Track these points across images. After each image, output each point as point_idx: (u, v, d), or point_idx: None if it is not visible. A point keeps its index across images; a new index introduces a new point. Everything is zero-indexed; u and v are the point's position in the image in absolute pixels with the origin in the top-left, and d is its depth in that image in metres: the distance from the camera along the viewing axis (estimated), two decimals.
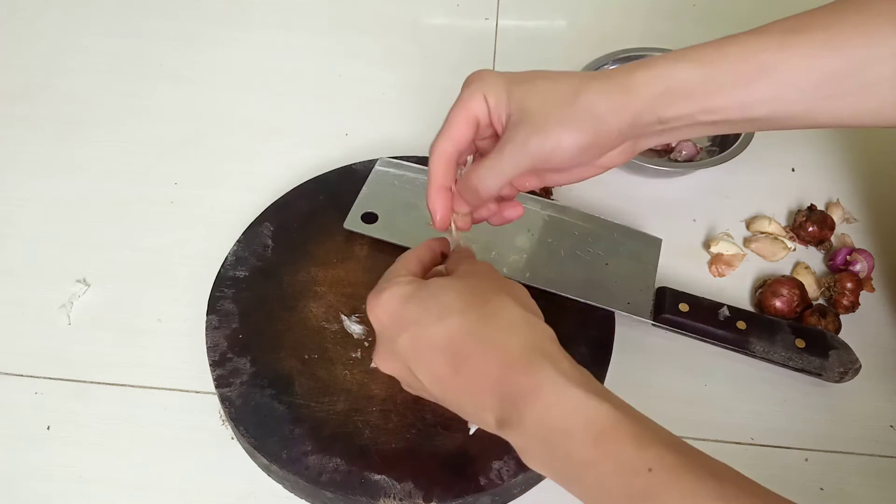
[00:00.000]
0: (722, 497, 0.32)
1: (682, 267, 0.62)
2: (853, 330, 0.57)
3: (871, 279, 0.61)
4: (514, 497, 0.49)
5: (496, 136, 0.46)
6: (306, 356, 0.52)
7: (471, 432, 0.49)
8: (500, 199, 0.50)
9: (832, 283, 0.60)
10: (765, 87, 0.42)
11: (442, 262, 0.48)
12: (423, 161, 0.63)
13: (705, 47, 0.43)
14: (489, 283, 0.42)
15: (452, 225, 0.48)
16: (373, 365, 0.45)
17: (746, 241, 0.64)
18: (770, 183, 0.68)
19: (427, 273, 0.46)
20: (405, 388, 0.45)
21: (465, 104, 0.45)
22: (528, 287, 0.55)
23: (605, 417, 0.35)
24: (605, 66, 0.72)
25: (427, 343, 0.40)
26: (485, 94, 0.45)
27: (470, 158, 0.49)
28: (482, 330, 0.39)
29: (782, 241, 0.63)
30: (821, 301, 0.60)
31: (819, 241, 0.63)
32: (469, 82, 0.46)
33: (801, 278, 0.60)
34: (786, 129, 0.46)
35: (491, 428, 0.39)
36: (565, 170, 0.46)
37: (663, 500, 0.33)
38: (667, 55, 0.44)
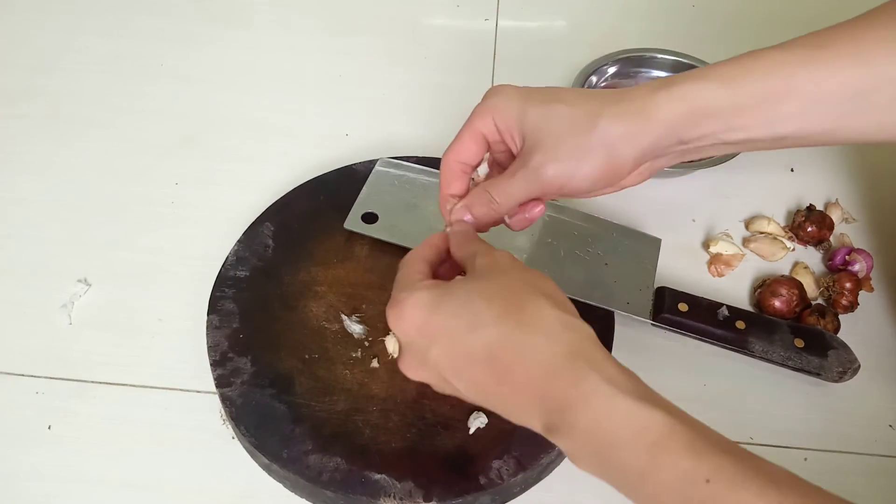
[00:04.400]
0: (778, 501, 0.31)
1: (681, 267, 0.62)
2: (852, 330, 0.57)
3: (870, 279, 0.61)
4: (514, 496, 0.49)
5: (511, 153, 0.46)
6: (307, 356, 0.53)
7: (471, 431, 0.49)
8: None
9: (831, 283, 0.60)
10: (792, 104, 0.41)
11: (447, 257, 0.46)
12: (423, 161, 0.63)
13: (729, 65, 0.42)
14: (517, 280, 0.40)
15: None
16: (400, 367, 0.43)
17: (745, 241, 0.64)
18: (769, 183, 0.68)
19: (435, 271, 0.45)
20: (437, 390, 0.43)
21: (473, 122, 0.45)
22: None
23: (658, 426, 0.34)
24: (605, 67, 0.72)
25: (463, 354, 0.38)
26: (493, 115, 0.44)
27: (484, 165, 0.48)
28: (521, 338, 0.37)
29: (781, 241, 0.63)
30: (820, 301, 0.60)
31: (818, 241, 0.64)
32: (484, 97, 0.46)
33: (800, 278, 0.60)
34: (812, 146, 0.44)
35: (539, 431, 0.38)
36: (581, 194, 0.45)
37: None
38: (689, 73, 0.43)
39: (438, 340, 0.39)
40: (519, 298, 0.39)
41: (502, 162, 0.48)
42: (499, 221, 0.48)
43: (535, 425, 0.38)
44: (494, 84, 0.75)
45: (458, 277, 0.42)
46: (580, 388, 0.36)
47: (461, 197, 0.47)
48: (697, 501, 0.32)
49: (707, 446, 0.33)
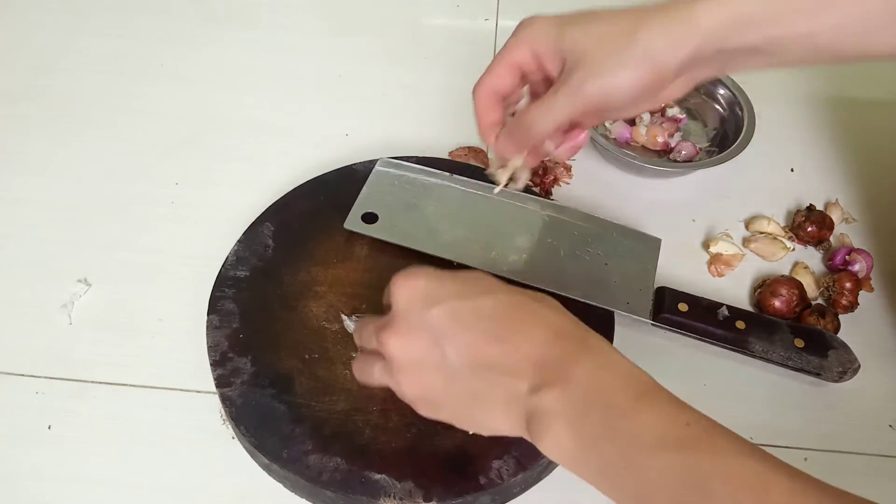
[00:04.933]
0: (752, 453, 0.34)
1: (681, 267, 0.62)
2: (852, 330, 0.57)
3: (870, 279, 0.61)
4: (513, 496, 0.50)
5: (549, 80, 0.46)
6: (307, 356, 0.53)
7: (471, 431, 0.49)
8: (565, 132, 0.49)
9: (831, 283, 0.60)
10: (831, 15, 0.41)
11: None
12: (423, 161, 0.63)
13: None
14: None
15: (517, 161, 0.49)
16: (360, 356, 0.45)
17: (745, 241, 0.64)
18: (769, 183, 0.68)
19: None
20: (398, 387, 0.42)
21: (508, 52, 0.46)
22: (527, 287, 0.56)
23: (647, 381, 0.38)
24: None
25: (469, 312, 0.40)
26: (531, 45, 0.45)
27: (526, 98, 0.48)
28: (533, 305, 0.41)
29: (781, 241, 0.63)
30: (820, 301, 0.60)
31: (818, 241, 0.64)
32: (517, 30, 0.46)
33: (800, 278, 0.60)
34: (843, 63, 0.44)
35: (517, 401, 0.39)
36: (622, 110, 0.46)
37: (698, 449, 0.34)
38: None
39: (444, 301, 0.40)
40: (522, 290, 0.42)
41: (540, 93, 0.48)
42: (541, 150, 0.48)
43: (521, 388, 0.38)
44: None
45: None
46: (584, 343, 0.39)
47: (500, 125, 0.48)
48: (674, 440, 0.35)
49: (688, 406, 0.37)
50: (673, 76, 0.44)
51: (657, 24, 0.43)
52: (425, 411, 0.43)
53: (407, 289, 0.41)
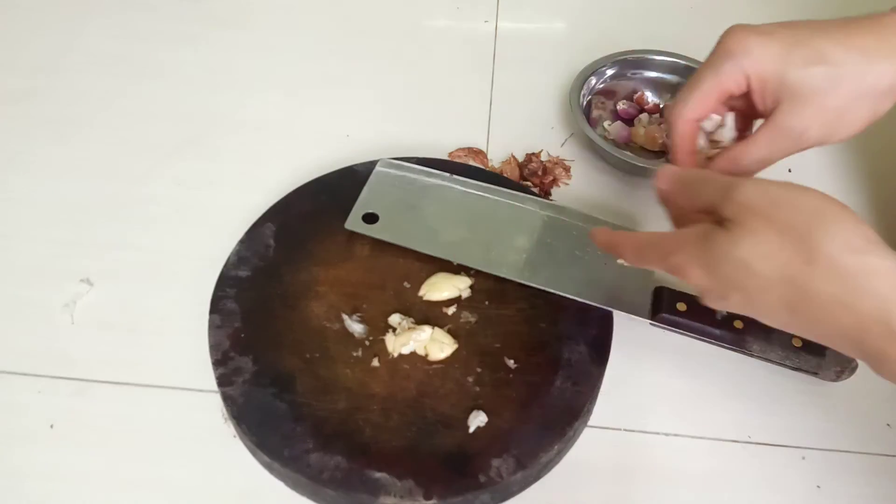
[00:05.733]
0: None
1: None
2: None
3: None
4: (513, 495, 0.50)
5: (748, 102, 0.45)
6: (308, 355, 0.53)
7: (470, 430, 0.49)
8: None
9: None
10: None
11: None
12: (423, 162, 0.64)
13: None
14: (791, 226, 0.37)
15: None
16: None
17: None
18: None
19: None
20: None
21: (720, 78, 0.43)
22: (527, 287, 0.56)
23: None
24: (604, 69, 0.72)
25: (762, 309, 0.39)
26: (748, 73, 0.42)
27: (730, 129, 0.47)
28: (818, 293, 0.36)
29: None
30: None
31: None
32: (728, 48, 0.43)
33: None
34: None
35: None
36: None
37: None
38: None
39: (729, 294, 0.39)
40: (804, 243, 0.37)
41: (736, 108, 0.47)
42: None
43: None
44: (494, 81, 0.76)
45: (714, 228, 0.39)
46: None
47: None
48: None
49: None
50: (883, 114, 0.43)
51: (884, 71, 0.42)
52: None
53: (690, 282, 0.40)
